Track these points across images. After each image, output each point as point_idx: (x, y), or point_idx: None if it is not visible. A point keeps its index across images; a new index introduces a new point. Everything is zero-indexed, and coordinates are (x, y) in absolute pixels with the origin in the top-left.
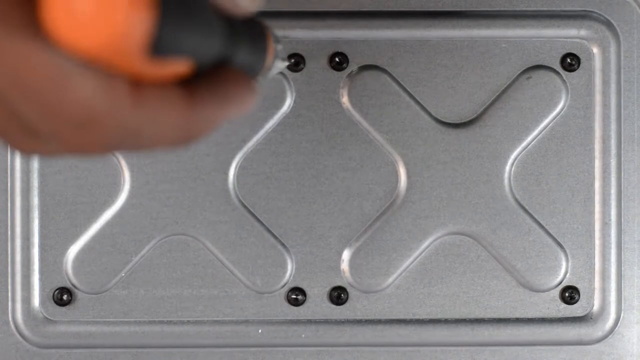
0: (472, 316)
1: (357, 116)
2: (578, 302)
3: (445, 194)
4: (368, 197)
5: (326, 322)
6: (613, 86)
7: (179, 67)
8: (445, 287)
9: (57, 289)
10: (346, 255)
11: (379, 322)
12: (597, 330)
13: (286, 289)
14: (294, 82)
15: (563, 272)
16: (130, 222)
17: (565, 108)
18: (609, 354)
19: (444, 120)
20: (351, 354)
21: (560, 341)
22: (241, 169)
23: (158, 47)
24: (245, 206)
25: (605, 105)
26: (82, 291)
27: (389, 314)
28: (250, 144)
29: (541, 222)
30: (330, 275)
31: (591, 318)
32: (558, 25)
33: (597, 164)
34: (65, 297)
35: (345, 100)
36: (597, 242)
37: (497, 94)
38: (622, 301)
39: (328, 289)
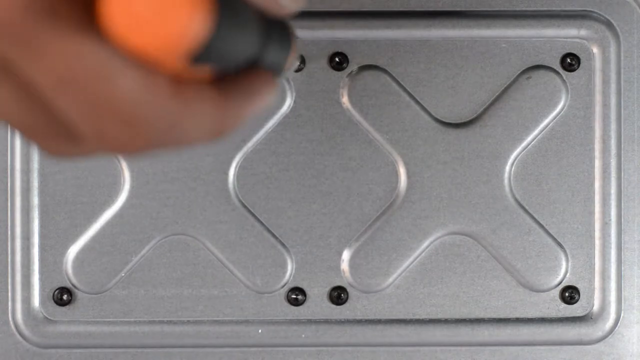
0: (472, 316)
1: (357, 116)
2: (578, 302)
3: (445, 194)
4: (368, 197)
5: (326, 322)
6: (613, 86)
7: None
8: (445, 287)
9: (57, 289)
10: (346, 255)
11: (379, 322)
12: (597, 330)
13: (286, 289)
14: (293, 82)
15: (563, 272)
16: (130, 222)
17: (565, 108)
18: (609, 354)
19: (444, 120)
20: (351, 354)
21: (560, 341)
22: (241, 169)
23: (205, 53)
24: (245, 206)
25: (605, 105)
26: (82, 291)
27: (389, 314)
28: (250, 144)
29: (541, 222)
30: (330, 275)
31: (591, 318)
32: (558, 25)
33: (597, 164)
34: (65, 297)
35: (345, 100)
36: (597, 242)
37: (497, 94)
38: (622, 301)
39: (328, 289)
